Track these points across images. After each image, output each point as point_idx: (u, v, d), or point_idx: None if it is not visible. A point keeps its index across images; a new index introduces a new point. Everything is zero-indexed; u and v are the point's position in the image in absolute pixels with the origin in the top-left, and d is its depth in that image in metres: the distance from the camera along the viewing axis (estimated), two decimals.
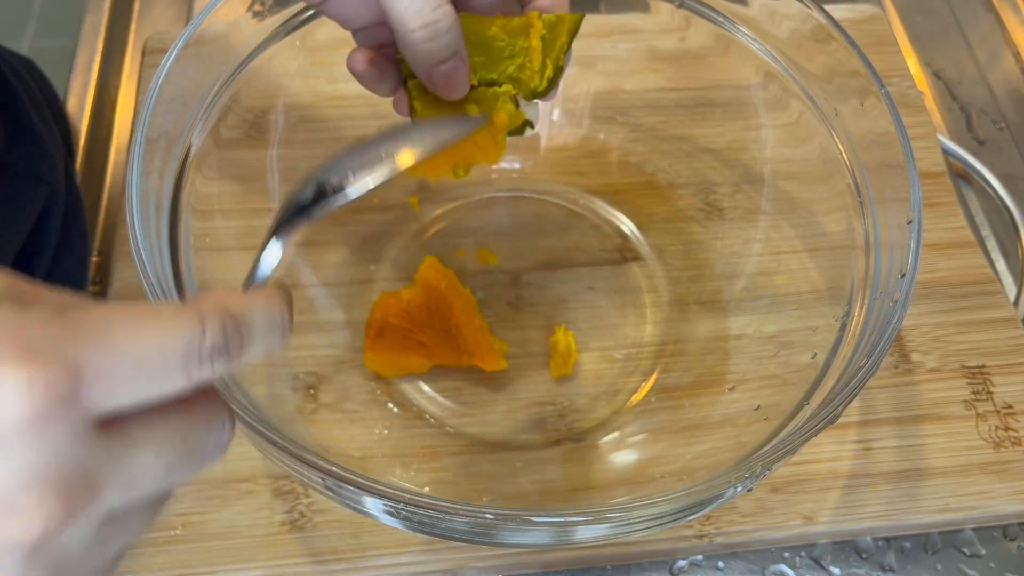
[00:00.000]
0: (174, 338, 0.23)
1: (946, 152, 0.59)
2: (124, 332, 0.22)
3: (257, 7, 0.45)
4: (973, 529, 0.47)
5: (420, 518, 0.34)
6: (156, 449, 0.23)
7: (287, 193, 0.31)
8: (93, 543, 0.23)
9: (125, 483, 0.23)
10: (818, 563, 0.46)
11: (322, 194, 0.31)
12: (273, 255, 0.30)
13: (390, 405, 0.48)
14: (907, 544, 0.46)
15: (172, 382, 0.23)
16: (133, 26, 0.66)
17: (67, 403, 0.21)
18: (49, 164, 0.50)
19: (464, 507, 0.32)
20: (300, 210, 0.31)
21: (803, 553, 0.46)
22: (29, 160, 0.49)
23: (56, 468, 0.21)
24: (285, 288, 0.27)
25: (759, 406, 0.44)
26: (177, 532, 0.43)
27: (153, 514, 0.26)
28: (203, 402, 0.25)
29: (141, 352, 0.22)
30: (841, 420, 0.46)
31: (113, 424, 0.23)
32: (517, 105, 0.39)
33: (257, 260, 0.30)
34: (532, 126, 0.40)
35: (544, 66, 0.39)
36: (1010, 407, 0.49)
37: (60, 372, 0.21)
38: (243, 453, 0.45)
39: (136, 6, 0.66)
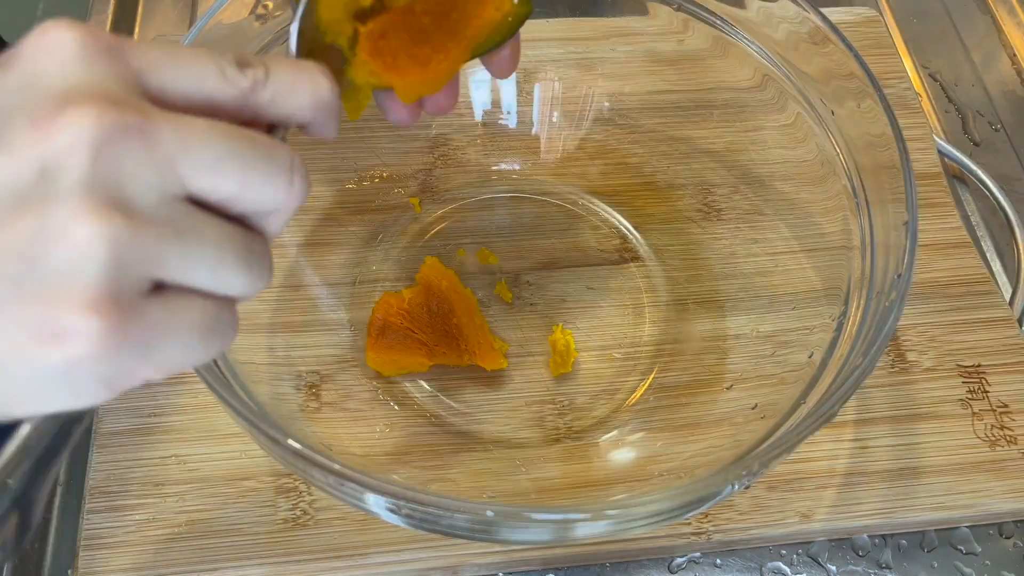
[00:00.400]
0: (198, 49, 0.26)
1: (942, 154, 0.60)
2: (156, 42, 0.26)
3: (260, 10, 0.45)
4: (969, 527, 0.47)
5: (421, 515, 0.34)
6: (211, 125, 0.25)
7: None
8: (164, 210, 0.24)
9: (180, 133, 0.24)
10: (815, 560, 0.46)
11: None
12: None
13: (392, 404, 0.48)
14: (903, 542, 0.47)
15: (207, 70, 0.26)
16: (136, 29, 0.66)
17: (110, 49, 0.24)
18: None
19: (465, 504, 0.33)
20: None
21: (800, 551, 0.46)
22: None
23: (101, 89, 0.23)
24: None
25: (756, 405, 0.44)
26: (180, 529, 0.44)
27: (238, 242, 0.26)
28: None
29: (173, 48, 0.26)
30: (837, 419, 0.46)
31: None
32: None
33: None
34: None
35: None
36: (1005, 406, 0.49)
37: (101, 32, 0.24)
38: (246, 451, 0.46)
39: (139, 9, 0.67)
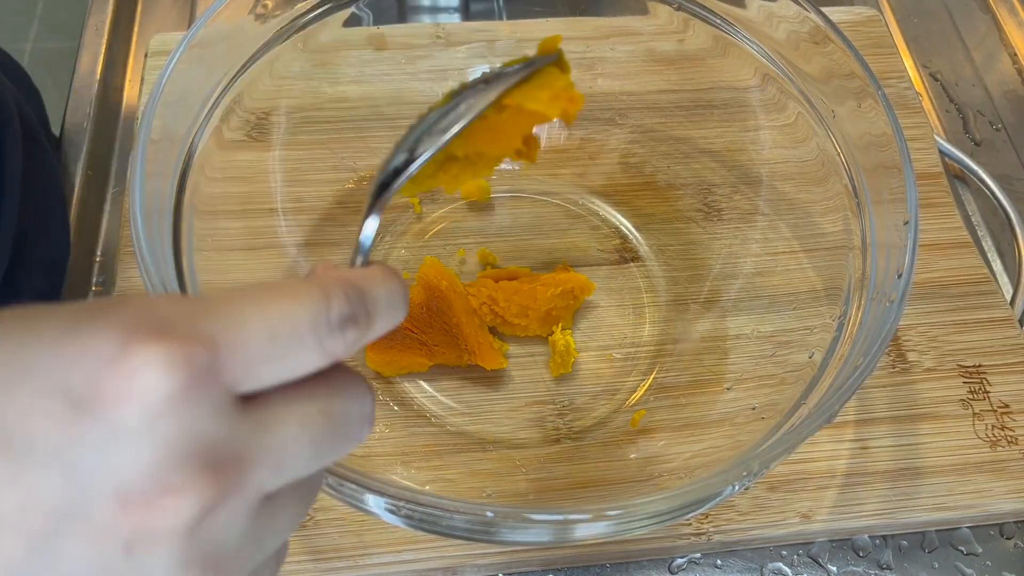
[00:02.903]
0: (300, 309, 0.23)
1: (943, 153, 0.60)
2: (251, 306, 0.22)
3: (259, 9, 0.45)
4: (970, 527, 0.47)
5: (421, 516, 0.34)
6: (300, 422, 0.23)
7: (378, 168, 0.32)
8: (249, 533, 0.22)
9: (274, 460, 0.22)
10: (816, 561, 0.46)
11: (407, 162, 0.32)
12: (371, 228, 0.31)
13: (392, 404, 0.48)
14: (904, 542, 0.47)
15: (306, 354, 0.23)
16: (136, 28, 0.66)
17: (208, 378, 0.21)
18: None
19: (464, 505, 0.33)
20: (387, 182, 0.32)
21: (801, 551, 0.46)
22: None
23: (203, 445, 0.20)
24: (392, 268, 0.27)
25: (756, 405, 0.44)
26: None
27: (305, 503, 0.25)
28: (339, 374, 0.25)
29: (271, 323, 0.22)
30: (838, 419, 0.46)
31: (254, 400, 0.22)
32: None
33: (359, 236, 0.31)
34: None
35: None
36: (1006, 406, 0.49)
37: (198, 346, 0.20)
38: None
39: (139, 8, 0.67)
